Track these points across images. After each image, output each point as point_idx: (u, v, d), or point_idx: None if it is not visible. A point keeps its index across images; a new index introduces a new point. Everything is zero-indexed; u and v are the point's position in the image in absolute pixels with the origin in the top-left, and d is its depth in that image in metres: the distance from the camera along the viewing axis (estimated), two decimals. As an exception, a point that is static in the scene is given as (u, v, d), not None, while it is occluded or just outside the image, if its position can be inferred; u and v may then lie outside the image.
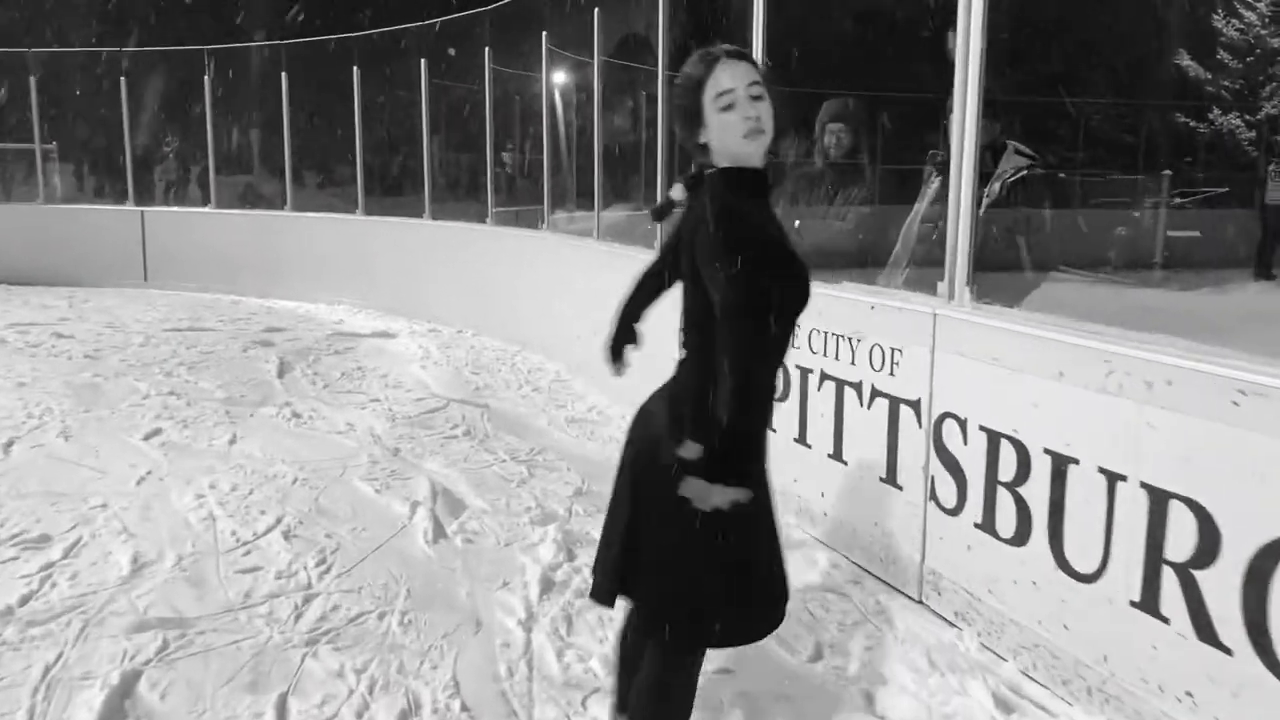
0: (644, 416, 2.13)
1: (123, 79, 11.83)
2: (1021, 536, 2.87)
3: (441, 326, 8.88)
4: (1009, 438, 2.92)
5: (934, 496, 3.27)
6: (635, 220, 7.32)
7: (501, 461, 4.88)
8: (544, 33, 7.60)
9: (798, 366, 4.03)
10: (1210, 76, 16.40)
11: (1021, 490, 2.87)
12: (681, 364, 2.06)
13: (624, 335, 2.37)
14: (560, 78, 8.44)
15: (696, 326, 1.98)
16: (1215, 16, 16.06)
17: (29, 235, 11.84)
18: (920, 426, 3.31)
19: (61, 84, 13.60)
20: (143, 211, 11.81)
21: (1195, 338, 2.50)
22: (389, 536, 3.84)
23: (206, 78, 11.41)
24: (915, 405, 3.34)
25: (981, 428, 3.03)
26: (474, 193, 11.10)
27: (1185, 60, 16.33)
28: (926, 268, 4.06)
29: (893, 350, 3.45)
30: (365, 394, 6.32)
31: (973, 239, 3.19)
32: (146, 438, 5.15)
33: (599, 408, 5.99)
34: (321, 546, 3.71)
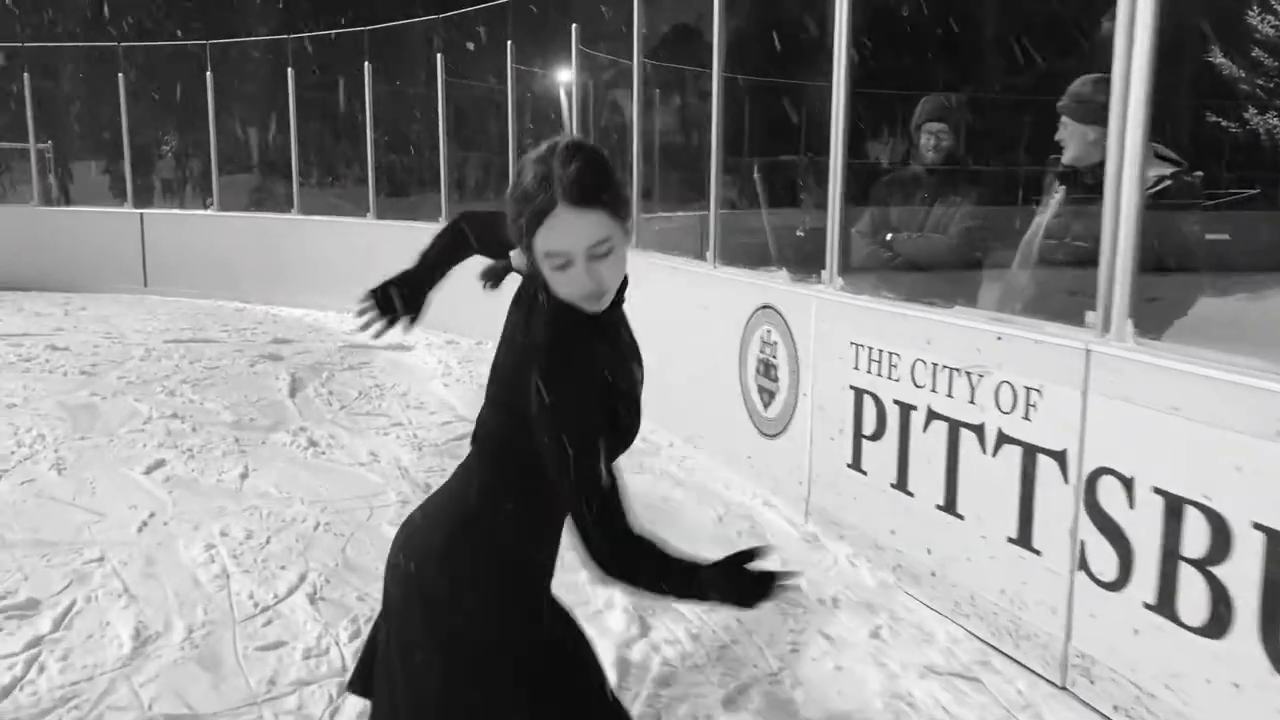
0: (420, 557, 1.65)
1: (120, 76, 11.30)
2: (1219, 627, 2.36)
3: (459, 337, 8.35)
4: (1198, 505, 2.41)
5: (1084, 565, 2.76)
6: (667, 232, 6.81)
7: (546, 500, 4.36)
8: (574, 25, 7.08)
9: (895, 401, 3.52)
10: (1244, 74, 15.91)
11: (1218, 571, 2.36)
12: (465, 470, 1.69)
13: (415, 296, 1.91)
14: (592, 75, 7.90)
15: (486, 433, 1.64)
16: (1250, 13, 15.58)
17: (23, 238, 11.26)
18: (1067, 482, 2.81)
19: (57, 81, 13.08)
20: (142, 214, 11.27)
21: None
22: (430, 600, 3.32)
23: (208, 74, 10.89)
24: (1060, 457, 2.83)
25: (1156, 490, 2.53)
26: (490, 196, 10.60)
27: (1218, 58, 15.85)
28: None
29: (1028, 390, 2.94)
30: (386, 416, 5.81)
31: (1136, 262, 2.69)
32: (148, 471, 4.64)
33: (643, 434, 5.46)
34: (354, 614, 3.19)
